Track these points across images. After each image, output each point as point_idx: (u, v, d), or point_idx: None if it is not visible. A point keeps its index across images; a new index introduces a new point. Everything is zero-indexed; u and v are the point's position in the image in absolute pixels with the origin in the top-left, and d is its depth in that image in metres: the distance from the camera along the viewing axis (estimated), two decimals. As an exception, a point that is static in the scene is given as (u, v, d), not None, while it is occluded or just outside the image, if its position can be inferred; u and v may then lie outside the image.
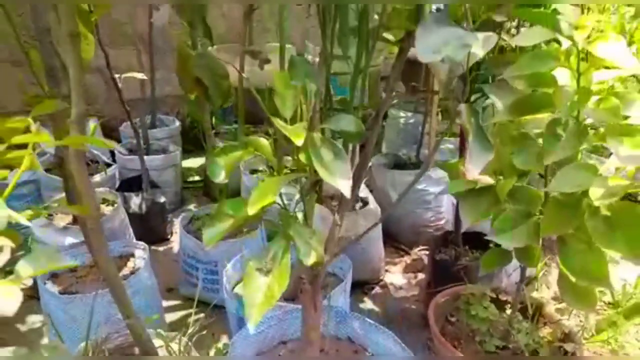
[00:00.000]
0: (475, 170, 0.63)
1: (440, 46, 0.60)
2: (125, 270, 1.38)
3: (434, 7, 1.09)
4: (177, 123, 2.50)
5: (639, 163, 0.73)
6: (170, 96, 2.80)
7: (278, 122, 0.66)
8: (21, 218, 0.53)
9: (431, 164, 1.95)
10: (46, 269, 0.44)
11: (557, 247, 0.87)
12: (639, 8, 2.01)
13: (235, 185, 2.13)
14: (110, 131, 2.62)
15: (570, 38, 0.71)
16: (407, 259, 1.85)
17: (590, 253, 0.83)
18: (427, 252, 1.82)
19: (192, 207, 2.26)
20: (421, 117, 2.09)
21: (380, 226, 1.69)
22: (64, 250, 1.48)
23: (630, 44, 2.42)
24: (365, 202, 1.67)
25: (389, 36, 0.86)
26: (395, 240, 1.90)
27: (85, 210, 0.75)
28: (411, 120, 2.48)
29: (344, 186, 0.62)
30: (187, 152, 2.60)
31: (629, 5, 2.58)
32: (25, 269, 0.43)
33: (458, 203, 0.99)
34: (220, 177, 0.72)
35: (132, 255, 1.45)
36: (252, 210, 0.64)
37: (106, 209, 1.71)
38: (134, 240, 1.71)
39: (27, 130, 0.61)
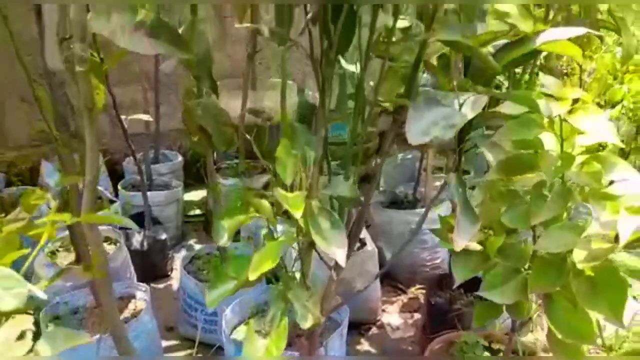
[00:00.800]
0: (462, 242, 0.68)
1: (430, 127, 0.65)
2: (126, 313, 1.41)
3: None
4: (180, 158, 2.55)
5: (617, 230, 0.77)
6: (174, 130, 2.86)
7: (278, 191, 0.71)
8: (39, 292, 0.56)
9: (428, 207, 1.99)
10: (64, 347, 0.48)
11: (544, 304, 0.91)
12: (627, 51, 2.09)
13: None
14: (113, 165, 2.66)
15: (549, 117, 0.77)
16: (403, 298, 1.87)
17: (576, 312, 0.86)
18: (424, 291, 1.85)
19: (192, 241, 2.29)
20: (418, 153, 2.14)
21: (377, 266, 1.72)
22: (66, 291, 1.51)
23: (621, 83, 2.49)
24: (362, 243, 1.70)
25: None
26: (392, 279, 1.93)
27: (97, 274, 0.79)
28: (409, 156, 2.54)
29: (339, 255, 0.66)
30: (188, 186, 2.64)
31: (619, 45, 2.67)
32: (44, 349, 0.47)
33: (450, 257, 1.02)
34: (223, 240, 0.77)
35: (134, 296, 1.48)
36: (253, 276, 0.68)
37: (108, 248, 1.74)
38: (135, 279, 1.74)
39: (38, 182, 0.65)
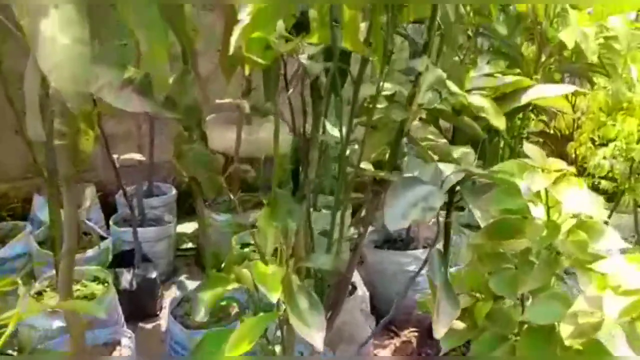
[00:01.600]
0: (443, 329, 0.66)
1: (408, 210, 0.65)
2: (111, 362, 1.38)
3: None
4: (174, 191, 2.54)
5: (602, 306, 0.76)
6: (169, 162, 2.86)
7: (256, 268, 0.69)
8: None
9: (421, 245, 1.97)
10: None
11: (533, 375, 0.89)
12: (616, 97, 2.11)
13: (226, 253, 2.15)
14: (106, 196, 2.65)
15: (530, 200, 0.76)
16: (396, 342, 1.84)
17: (564, 385, 0.84)
18: (416, 335, 1.82)
19: (184, 277, 2.27)
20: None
21: (368, 306, 1.71)
22: (51, 334, 1.49)
23: (615, 120, 2.49)
24: (353, 287, 1.68)
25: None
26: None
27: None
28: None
29: (317, 340, 0.65)
30: (181, 217, 2.62)
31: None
32: None
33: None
34: (200, 316, 0.75)
35: (119, 343, 1.45)
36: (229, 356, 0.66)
37: (96, 288, 1.72)
38: (122, 319, 1.72)
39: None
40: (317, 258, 0.77)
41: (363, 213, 0.96)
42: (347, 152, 0.86)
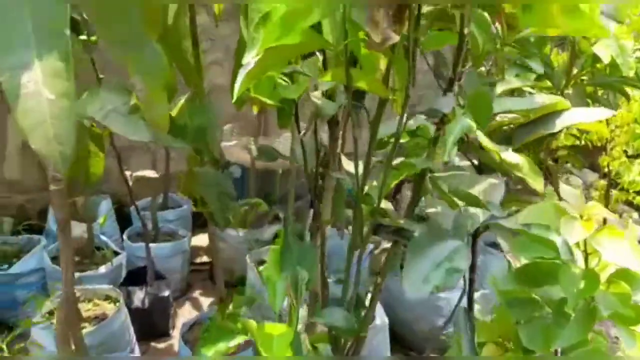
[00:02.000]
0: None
1: (430, 272, 0.58)
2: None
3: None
4: (189, 203, 2.51)
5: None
6: (183, 173, 2.83)
7: (262, 333, 0.63)
8: None
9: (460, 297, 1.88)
10: None
11: None
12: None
13: (242, 270, 2.10)
14: (122, 207, 2.63)
15: (570, 260, 0.68)
16: (416, 369, 1.77)
17: None
18: (437, 362, 1.74)
19: (198, 293, 2.23)
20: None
21: (387, 335, 1.63)
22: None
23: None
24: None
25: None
26: (405, 346, 1.82)
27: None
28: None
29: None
30: (196, 228, 2.58)
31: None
32: None
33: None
34: (204, 375, 0.70)
35: (128, 370, 1.42)
36: None
37: (108, 308, 1.69)
38: (134, 339, 1.69)
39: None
40: (330, 314, 0.71)
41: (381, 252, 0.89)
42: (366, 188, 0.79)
